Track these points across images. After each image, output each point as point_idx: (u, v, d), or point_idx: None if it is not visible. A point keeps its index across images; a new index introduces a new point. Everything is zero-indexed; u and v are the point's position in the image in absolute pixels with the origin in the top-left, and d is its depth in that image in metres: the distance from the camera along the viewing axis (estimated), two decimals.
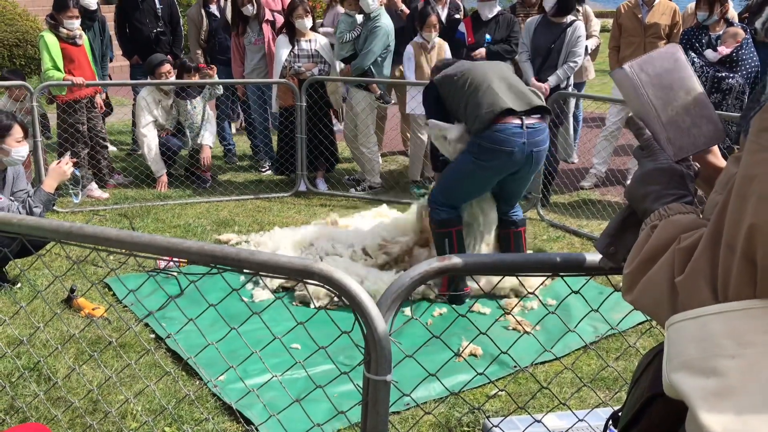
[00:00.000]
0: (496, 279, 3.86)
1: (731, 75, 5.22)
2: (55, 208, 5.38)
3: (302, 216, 5.42)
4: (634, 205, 1.11)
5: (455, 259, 1.47)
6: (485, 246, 4.01)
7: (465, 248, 3.90)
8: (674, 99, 1.09)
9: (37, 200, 3.74)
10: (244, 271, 1.41)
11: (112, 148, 7.07)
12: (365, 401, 1.37)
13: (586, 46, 5.91)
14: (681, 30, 5.98)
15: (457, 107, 3.70)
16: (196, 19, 6.82)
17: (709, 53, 5.33)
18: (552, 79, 5.55)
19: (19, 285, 3.98)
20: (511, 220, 3.97)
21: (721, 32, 5.38)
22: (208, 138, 6.20)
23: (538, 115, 3.65)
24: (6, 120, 3.80)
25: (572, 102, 6.00)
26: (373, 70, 5.86)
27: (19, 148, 3.82)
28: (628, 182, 6.69)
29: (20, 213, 3.56)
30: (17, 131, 3.80)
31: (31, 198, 3.76)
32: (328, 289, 1.32)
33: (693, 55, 5.40)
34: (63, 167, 3.92)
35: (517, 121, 3.56)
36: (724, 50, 5.27)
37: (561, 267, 1.51)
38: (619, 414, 1.24)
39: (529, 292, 1.53)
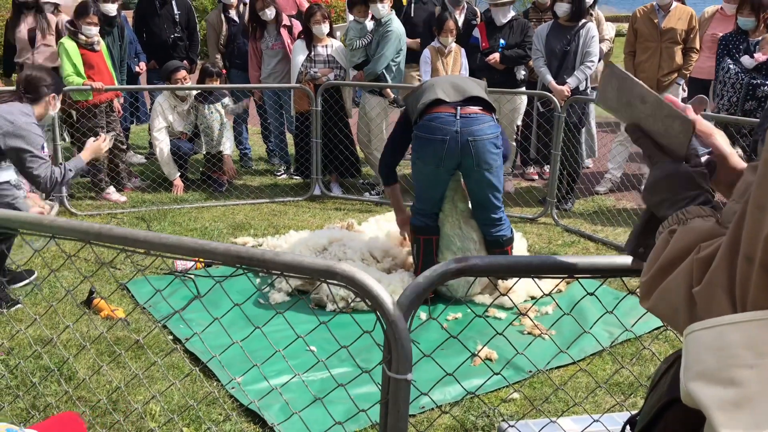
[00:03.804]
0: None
1: (767, 82, 5.17)
2: (72, 210, 5.46)
3: (317, 220, 5.46)
4: (655, 210, 1.12)
5: (473, 260, 1.49)
6: None
7: (433, 259, 3.90)
8: (639, 112, 1.10)
9: (72, 164, 4.04)
10: (268, 271, 1.44)
11: (140, 159, 7.14)
12: (385, 400, 1.39)
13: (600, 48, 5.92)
14: (697, 35, 5.96)
15: (412, 114, 3.82)
16: (216, 24, 6.90)
17: (745, 59, 5.27)
18: (571, 81, 5.57)
19: (35, 275, 4.11)
20: (492, 240, 3.91)
21: (759, 38, 5.33)
22: (228, 147, 6.27)
23: (479, 107, 3.68)
24: (60, 82, 4.23)
25: (592, 105, 6.00)
26: (386, 74, 5.90)
27: (56, 108, 4.17)
28: (643, 187, 6.65)
29: (54, 172, 3.84)
30: (61, 95, 4.26)
31: (66, 162, 4.09)
32: (350, 290, 1.35)
33: (729, 61, 5.35)
34: (101, 144, 4.25)
35: (451, 111, 3.63)
36: (760, 57, 5.21)
37: (577, 269, 1.53)
38: (637, 418, 1.25)
39: (544, 294, 1.55)
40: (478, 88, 3.79)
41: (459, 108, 3.64)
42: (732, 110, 5.26)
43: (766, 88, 5.15)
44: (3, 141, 3.67)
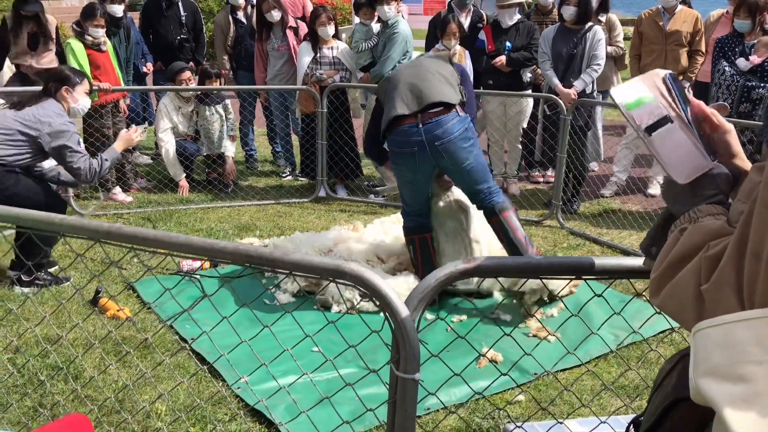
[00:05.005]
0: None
1: (762, 84, 5.15)
2: (78, 210, 5.48)
3: (322, 221, 5.47)
4: (669, 206, 1.12)
5: (480, 261, 1.50)
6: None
7: (431, 256, 3.97)
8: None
9: (107, 155, 4.29)
10: (275, 271, 1.44)
11: (146, 159, 7.15)
12: (392, 400, 1.40)
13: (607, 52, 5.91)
14: (702, 37, 5.95)
15: (384, 102, 3.94)
16: (224, 25, 6.93)
17: (740, 62, 5.27)
18: (578, 84, 5.56)
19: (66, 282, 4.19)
20: (488, 208, 3.87)
21: (755, 41, 5.33)
22: (230, 149, 6.27)
23: (440, 108, 3.70)
24: (78, 74, 4.38)
25: (599, 108, 6.00)
26: None
27: (86, 100, 4.33)
28: (649, 190, 6.55)
29: (92, 164, 4.10)
30: (86, 85, 4.37)
31: (101, 153, 4.34)
32: (358, 289, 1.35)
33: (724, 63, 5.36)
34: (132, 135, 4.51)
35: (413, 121, 3.69)
36: (755, 59, 5.21)
37: (585, 270, 1.54)
38: (640, 419, 1.25)
39: (554, 296, 1.56)
40: (437, 85, 3.76)
41: (419, 115, 3.68)
42: (729, 110, 5.26)
43: (760, 90, 5.15)
44: (47, 143, 3.93)
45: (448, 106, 3.72)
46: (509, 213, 3.87)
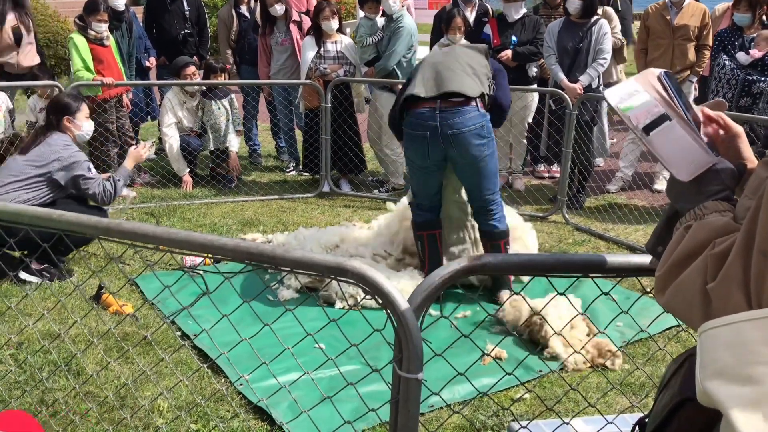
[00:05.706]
0: None
1: (762, 79, 5.12)
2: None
3: (326, 217, 5.45)
4: (673, 203, 1.10)
5: (485, 258, 1.47)
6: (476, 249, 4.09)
7: (438, 254, 3.94)
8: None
9: (119, 175, 4.34)
10: (277, 268, 1.42)
11: (150, 155, 7.12)
12: (395, 399, 1.37)
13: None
14: (710, 32, 5.90)
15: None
16: (227, 19, 6.90)
17: (741, 56, 5.24)
18: (584, 79, 5.52)
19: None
20: (486, 230, 3.87)
21: (755, 34, 5.30)
22: (234, 143, 6.26)
23: (460, 99, 3.65)
24: (76, 99, 4.40)
25: (605, 103, 5.96)
26: (397, 70, 5.88)
27: (89, 124, 4.39)
28: (655, 186, 6.54)
29: (106, 187, 4.16)
30: (85, 108, 4.39)
31: (114, 174, 4.38)
32: (360, 287, 1.33)
33: (724, 57, 5.32)
34: (140, 151, 4.52)
35: (431, 106, 3.64)
36: (756, 53, 5.18)
37: (592, 268, 1.51)
38: (646, 420, 1.23)
39: (559, 293, 1.53)
40: (460, 75, 3.70)
41: (438, 101, 3.63)
42: (727, 106, 5.22)
43: (761, 84, 5.11)
44: (62, 178, 4.03)
45: (467, 98, 3.68)
46: (504, 244, 3.87)
